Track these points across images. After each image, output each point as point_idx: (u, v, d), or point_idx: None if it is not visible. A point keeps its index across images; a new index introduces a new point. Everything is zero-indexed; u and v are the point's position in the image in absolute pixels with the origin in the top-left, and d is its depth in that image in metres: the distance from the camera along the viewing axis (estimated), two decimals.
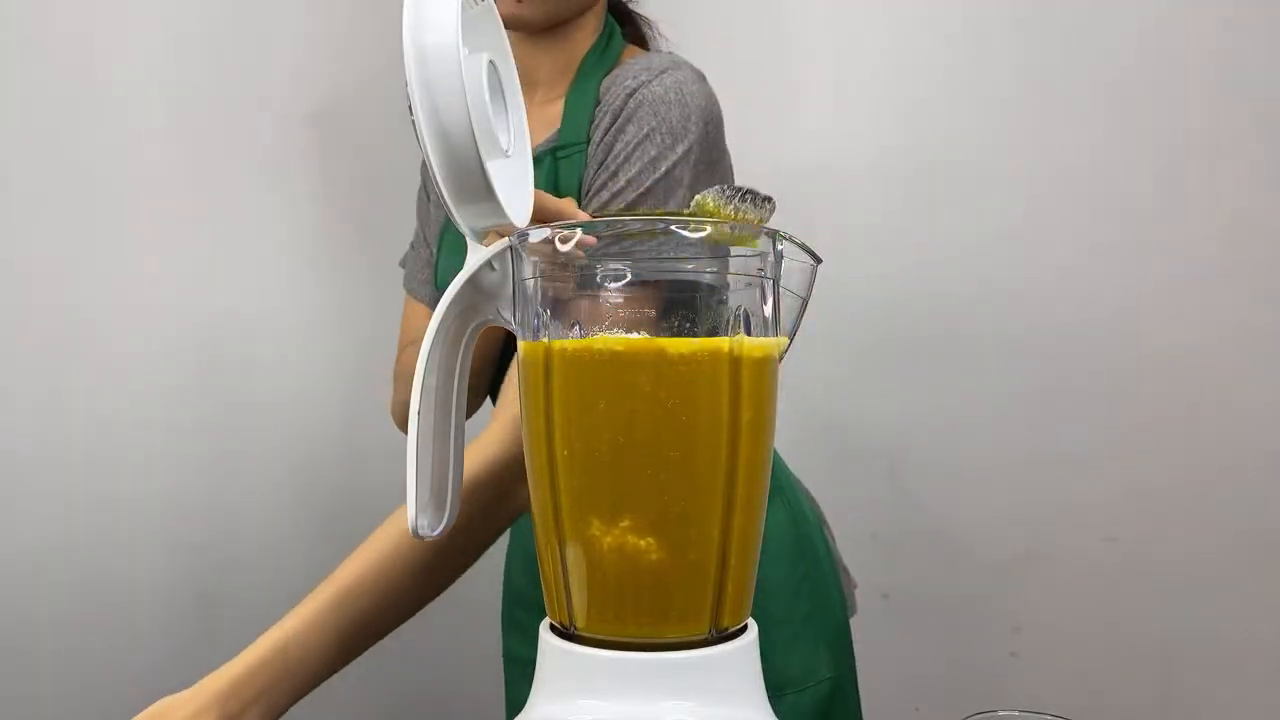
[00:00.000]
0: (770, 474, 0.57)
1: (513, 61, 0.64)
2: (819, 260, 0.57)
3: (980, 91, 1.44)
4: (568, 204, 0.68)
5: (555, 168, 0.81)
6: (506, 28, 0.85)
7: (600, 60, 0.86)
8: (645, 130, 0.79)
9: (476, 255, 0.58)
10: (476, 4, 0.59)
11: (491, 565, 1.11)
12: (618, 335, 0.52)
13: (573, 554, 0.53)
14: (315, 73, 1.35)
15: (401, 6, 0.53)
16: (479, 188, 0.55)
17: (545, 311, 0.53)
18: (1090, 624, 1.43)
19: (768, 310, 0.54)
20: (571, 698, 0.52)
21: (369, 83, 1.33)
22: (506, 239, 0.58)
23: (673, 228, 0.53)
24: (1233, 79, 1.39)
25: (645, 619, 0.53)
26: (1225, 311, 1.40)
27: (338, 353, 1.38)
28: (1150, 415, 1.41)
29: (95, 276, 1.27)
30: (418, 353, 0.59)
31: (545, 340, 0.53)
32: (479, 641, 1.14)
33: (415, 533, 0.57)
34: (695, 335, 0.52)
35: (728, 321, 0.52)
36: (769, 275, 0.54)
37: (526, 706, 0.54)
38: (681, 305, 0.52)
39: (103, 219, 1.27)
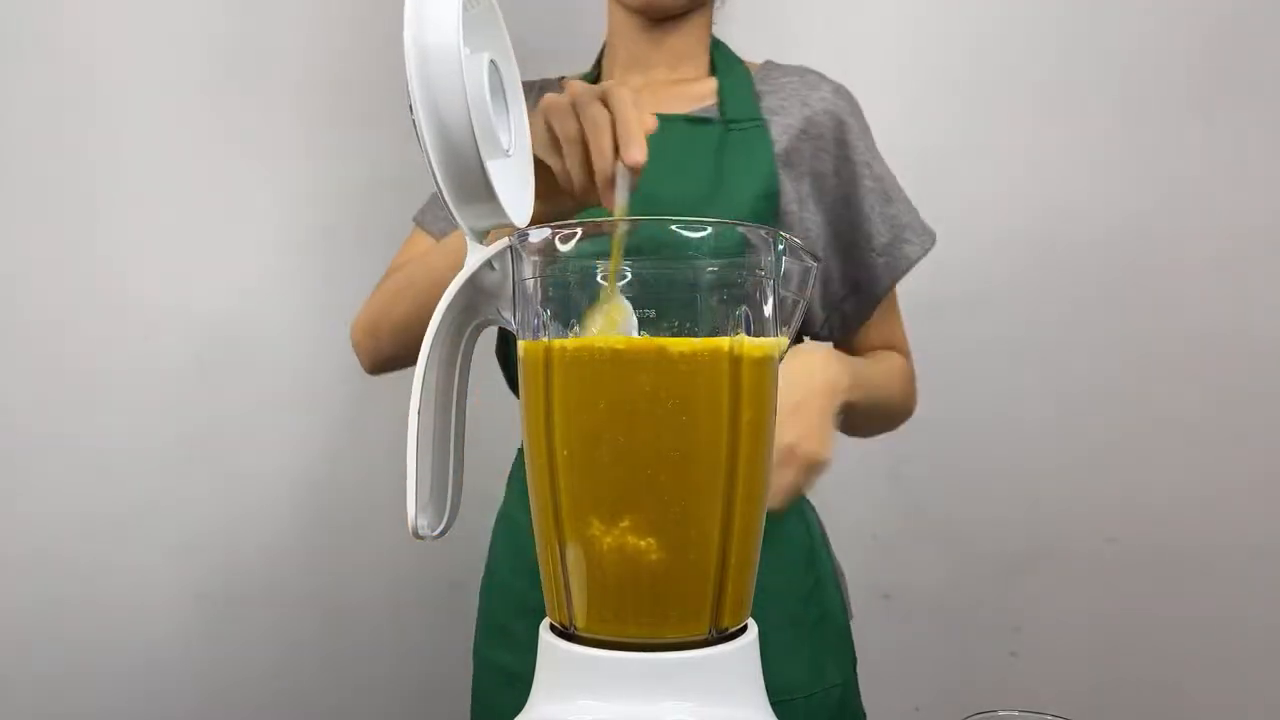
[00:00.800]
0: (770, 472, 0.57)
1: (514, 62, 0.64)
2: (819, 260, 0.57)
3: (980, 92, 1.44)
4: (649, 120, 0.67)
5: (726, 138, 0.91)
6: (646, 14, 0.96)
7: (726, 53, 0.98)
8: (863, 126, 0.95)
9: (476, 255, 0.58)
10: (477, 4, 0.59)
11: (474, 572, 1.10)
12: (618, 335, 0.52)
13: (573, 554, 0.53)
14: (316, 73, 1.35)
15: (402, 6, 0.53)
16: (479, 188, 0.55)
17: (545, 311, 0.53)
18: (1090, 624, 1.43)
19: (768, 310, 0.54)
20: (571, 698, 0.52)
21: (370, 82, 1.33)
22: (506, 239, 0.58)
23: (674, 228, 0.53)
24: (1232, 79, 1.39)
25: (645, 619, 0.53)
26: (1226, 312, 1.40)
27: (338, 352, 1.38)
28: (1150, 416, 1.41)
29: (95, 276, 1.27)
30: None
31: (545, 340, 0.53)
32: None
33: (415, 533, 0.57)
34: (695, 335, 0.52)
35: (728, 321, 0.52)
36: (769, 275, 0.54)
37: (526, 706, 0.54)
38: (681, 305, 0.52)
39: (102, 218, 1.27)
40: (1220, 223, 1.40)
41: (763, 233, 0.54)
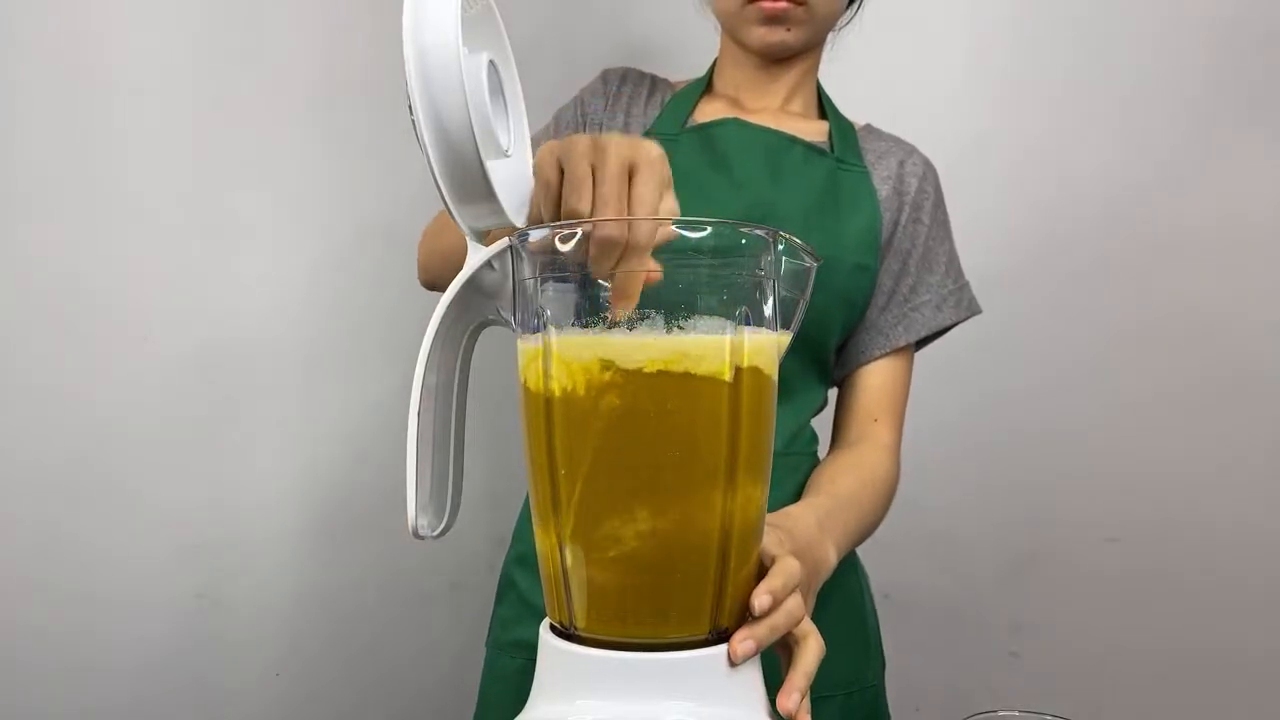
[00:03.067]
0: (770, 474, 0.57)
1: (513, 62, 0.64)
2: (818, 260, 0.57)
3: (983, 91, 1.44)
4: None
5: (837, 172, 0.98)
6: (765, 55, 1.00)
7: (832, 104, 1.05)
8: (939, 200, 1.01)
9: (476, 255, 0.58)
10: (475, 4, 0.59)
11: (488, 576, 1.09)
12: (618, 335, 0.52)
13: (573, 554, 0.53)
14: (314, 72, 1.35)
15: (402, 7, 0.53)
16: (478, 188, 0.55)
17: (545, 311, 0.53)
18: (1090, 624, 1.43)
19: (768, 310, 0.54)
20: (571, 698, 0.52)
21: (369, 82, 1.33)
22: (506, 239, 0.58)
23: (674, 228, 0.53)
24: (1233, 81, 1.39)
25: (645, 619, 0.53)
26: (1230, 311, 1.40)
27: (340, 352, 1.38)
28: (1150, 416, 1.41)
29: (96, 276, 1.27)
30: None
31: (545, 340, 0.53)
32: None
33: (415, 533, 0.57)
34: (696, 334, 0.52)
35: (728, 321, 0.52)
36: (769, 275, 0.54)
37: (526, 706, 0.54)
38: (682, 305, 0.52)
39: (103, 218, 1.27)
40: (1219, 221, 1.40)
41: (762, 232, 0.54)
